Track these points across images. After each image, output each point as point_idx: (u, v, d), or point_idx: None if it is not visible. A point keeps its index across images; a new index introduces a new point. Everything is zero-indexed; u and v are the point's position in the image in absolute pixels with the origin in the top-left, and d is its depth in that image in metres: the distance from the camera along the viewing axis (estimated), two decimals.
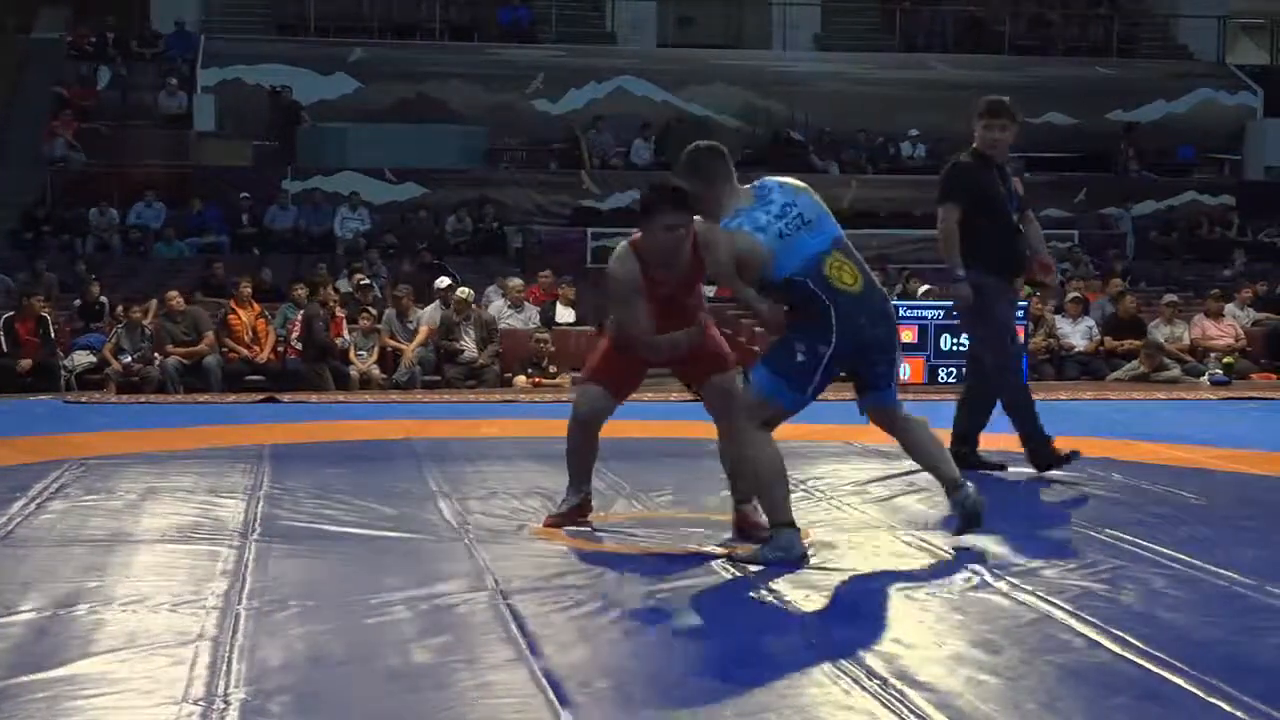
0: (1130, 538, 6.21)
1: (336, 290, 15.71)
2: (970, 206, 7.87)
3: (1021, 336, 14.01)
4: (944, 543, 6.10)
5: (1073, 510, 6.94)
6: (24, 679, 4.11)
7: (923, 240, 22.42)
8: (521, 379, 14.57)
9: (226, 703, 3.91)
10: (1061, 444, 8.07)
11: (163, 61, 25.09)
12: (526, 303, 16.24)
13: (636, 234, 5.95)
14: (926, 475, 8.08)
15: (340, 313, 14.92)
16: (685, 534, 6.29)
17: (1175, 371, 15.59)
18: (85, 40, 25.46)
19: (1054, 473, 7.96)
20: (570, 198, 22.88)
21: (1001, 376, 8.05)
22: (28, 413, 12.26)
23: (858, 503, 7.19)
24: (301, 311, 14.71)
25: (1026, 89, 26.16)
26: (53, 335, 14.57)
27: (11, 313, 14.69)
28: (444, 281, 15.65)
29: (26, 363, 14.21)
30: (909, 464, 8.44)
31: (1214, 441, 9.98)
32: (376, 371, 14.68)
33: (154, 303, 15.01)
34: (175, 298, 14.69)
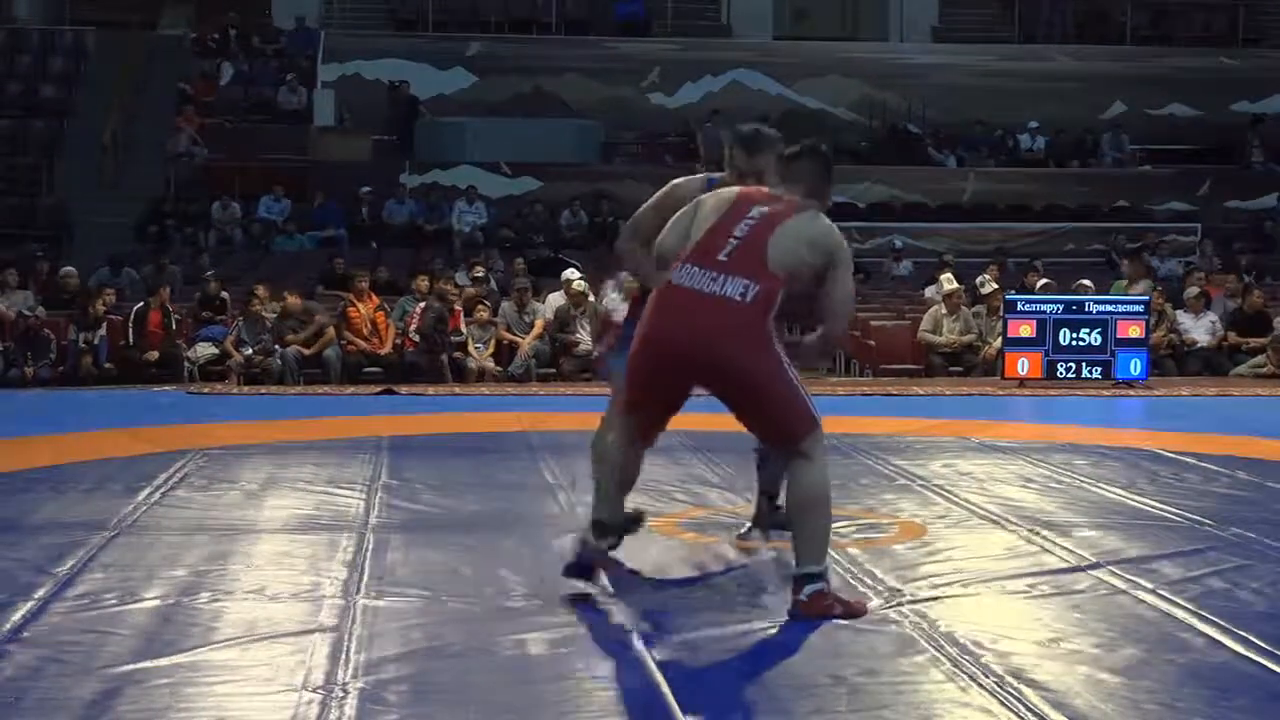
0: (1255, 536, 6.11)
1: (456, 284, 15.80)
2: None
3: (1142, 331, 13.95)
4: (1061, 539, 6.03)
5: (1195, 507, 6.83)
6: (147, 665, 4.19)
7: (1041, 233, 22.21)
8: None
9: (345, 691, 3.96)
10: (1178, 441, 7.90)
11: (284, 57, 25.41)
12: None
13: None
14: (1044, 470, 8.02)
15: (458, 306, 15.03)
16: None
17: None
18: (208, 37, 25.87)
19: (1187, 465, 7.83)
20: None
21: None
22: (152, 403, 12.48)
23: (975, 498, 7.12)
24: (421, 304, 14.84)
25: (1148, 80, 25.82)
26: (175, 327, 14.82)
27: (141, 304, 14.96)
28: (572, 274, 15.65)
29: (153, 354, 14.48)
30: (1023, 460, 8.36)
31: None
32: (492, 364, 14.77)
33: (262, 289, 15.09)
34: (295, 303, 14.81)
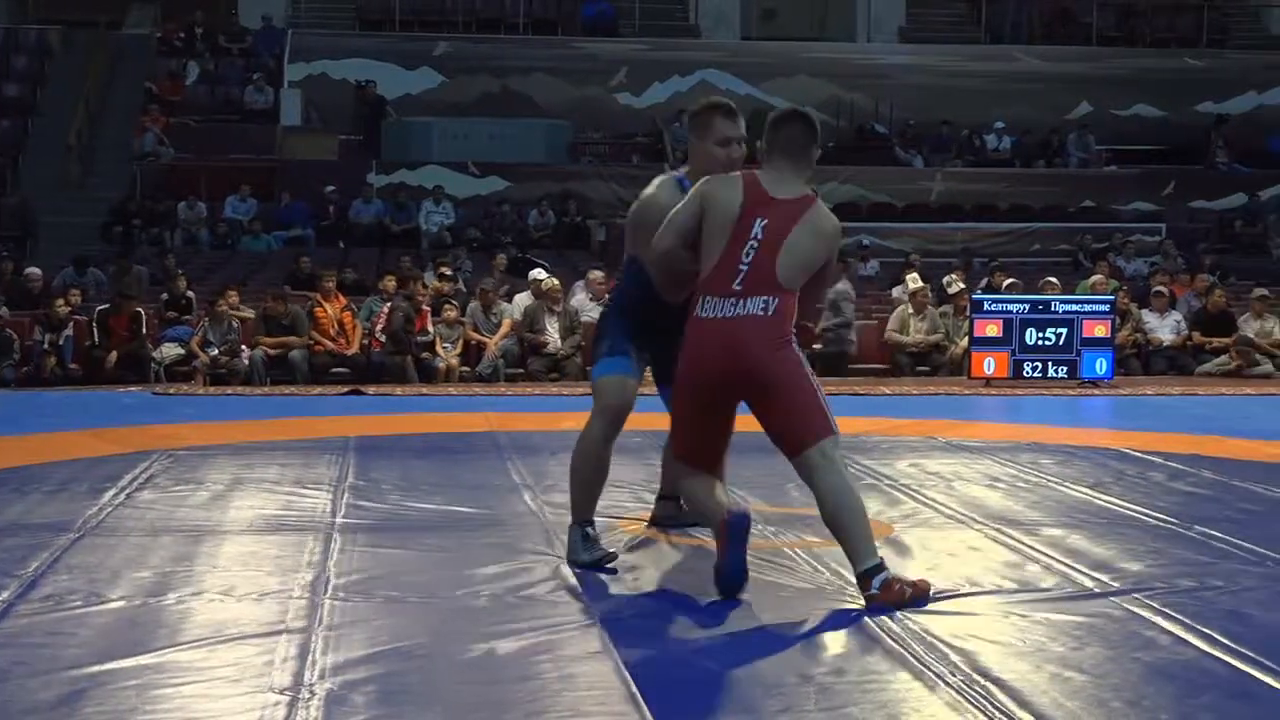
0: (1219, 534, 6.14)
1: (424, 284, 15.79)
2: None
3: (1108, 331, 14.01)
4: (1028, 538, 6.06)
5: (1161, 506, 6.87)
6: (113, 666, 4.17)
7: (1008, 233, 22.31)
8: None
9: (312, 692, 3.95)
10: (1143, 440, 7.97)
11: (250, 57, 25.36)
12: (609, 296, 16.21)
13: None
14: (1011, 470, 8.05)
15: (425, 306, 15.02)
16: (765, 529, 6.28)
17: (1267, 367, 15.39)
18: (174, 36, 25.79)
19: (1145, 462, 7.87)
20: None
21: None
22: (117, 404, 12.43)
23: (941, 498, 7.14)
24: (388, 304, 14.82)
25: (1114, 81, 25.96)
26: (143, 329, 14.76)
27: (106, 307, 14.89)
28: (539, 274, 15.66)
29: (113, 356, 14.40)
30: (990, 459, 8.40)
31: None
32: (459, 364, 14.76)
33: (233, 295, 15.11)
34: (277, 303, 14.77)
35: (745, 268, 5.01)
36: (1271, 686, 4.02)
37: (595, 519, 5.69)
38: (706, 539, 6.03)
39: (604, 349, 5.66)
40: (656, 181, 5.68)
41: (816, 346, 14.13)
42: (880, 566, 4.94)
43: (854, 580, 5.02)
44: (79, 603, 4.92)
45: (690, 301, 5.17)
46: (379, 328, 14.73)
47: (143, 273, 17.64)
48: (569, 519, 5.67)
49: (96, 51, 24.29)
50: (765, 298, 4.99)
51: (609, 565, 5.44)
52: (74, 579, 5.27)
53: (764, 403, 5.07)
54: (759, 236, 5.03)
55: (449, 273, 16.58)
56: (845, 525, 4.99)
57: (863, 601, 4.90)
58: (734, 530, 4.98)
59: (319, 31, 25.97)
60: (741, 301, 4.98)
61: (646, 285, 5.54)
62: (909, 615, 4.77)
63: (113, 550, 5.81)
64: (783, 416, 5.06)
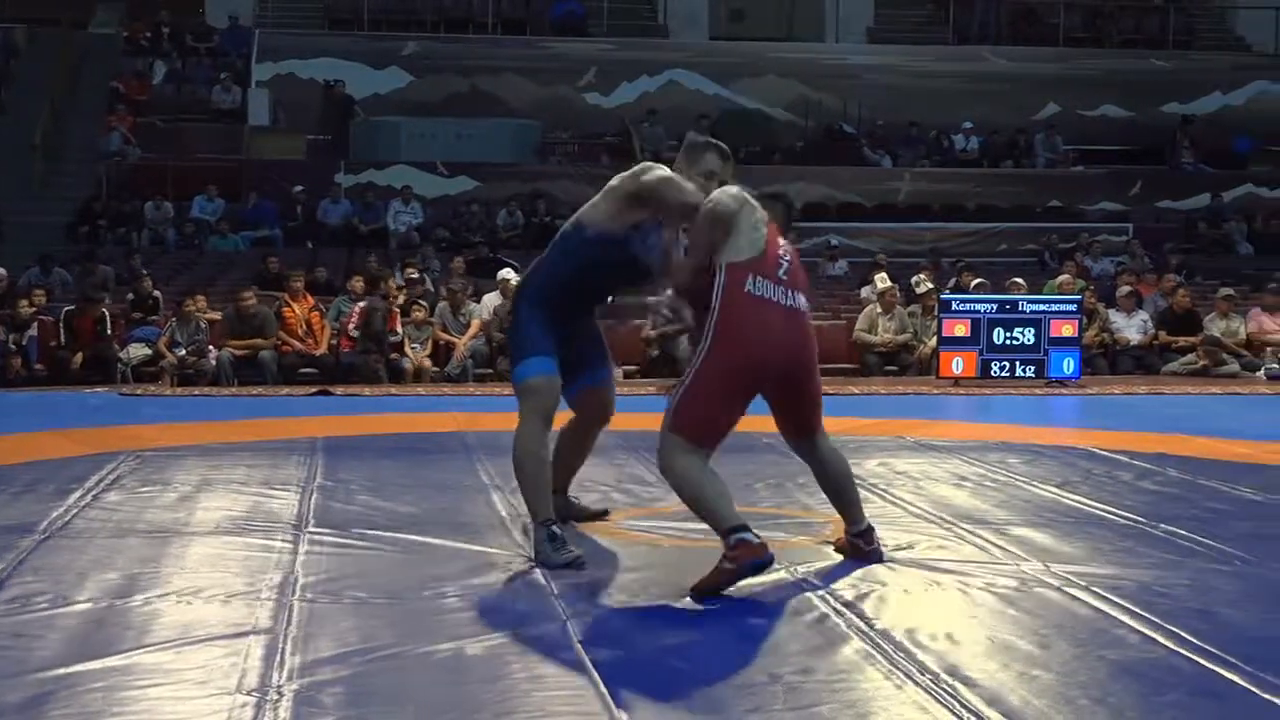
0: (1185, 533, 6.17)
1: (397, 285, 15.76)
2: None
3: (1075, 330, 14.07)
4: (996, 537, 6.08)
5: (1128, 505, 6.90)
6: (80, 668, 4.15)
7: (976, 233, 22.37)
8: None
9: (280, 694, 3.94)
10: (1110, 439, 8.01)
11: (217, 56, 25.25)
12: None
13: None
14: (979, 469, 8.08)
15: (395, 306, 14.99)
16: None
17: (1234, 366, 15.47)
18: (140, 35, 25.65)
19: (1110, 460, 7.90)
20: None
21: None
22: (84, 405, 12.37)
23: (909, 497, 7.16)
24: (360, 304, 14.80)
25: (1081, 82, 26.06)
26: (109, 329, 14.69)
27: (72, 308, 14.82)
28: (508, 274, 15.63)
29: (79, 356, 14.33)
30: (958, 459, 8.43)
31: (1271, 436, 9.89)
32: (429, 364, 14.74)
33: (202, 299, 15.08)
34: (249, 299, 14.74)
35: (785, 263, 5.28)
36: (1237, 684, 4.04)
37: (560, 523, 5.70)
38: (673, 538, 6.04)
39: (528, 347, 5.67)
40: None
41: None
42: (870, 525, 5.65)
43: (822, 581, 5.06)
44: (45, 605, 4.89)
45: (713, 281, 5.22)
46: (350, 327, 14.70)
47: (109, 273, 17.56)
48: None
49: (62, 51, 24.15)
50: (802, 293, 5.32)
51: (578, 566, 5.43)
52: (40, 581, 5.24)
53: (798, 389, 5.39)
54: (783, 242, 5.35)
55: (415, 274, 16.55)
56: (850, 488, 5.62)
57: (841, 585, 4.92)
58: (755, 568, 5.05)
59: (287, 31, 25.88)
60: (791, 293, 5.25)
61: (584, 262, 5.60)
62: (877, 614, 4.78)
63: (79, 552, 5.78)
64: (810, 402, 5.47)
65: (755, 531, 5.07)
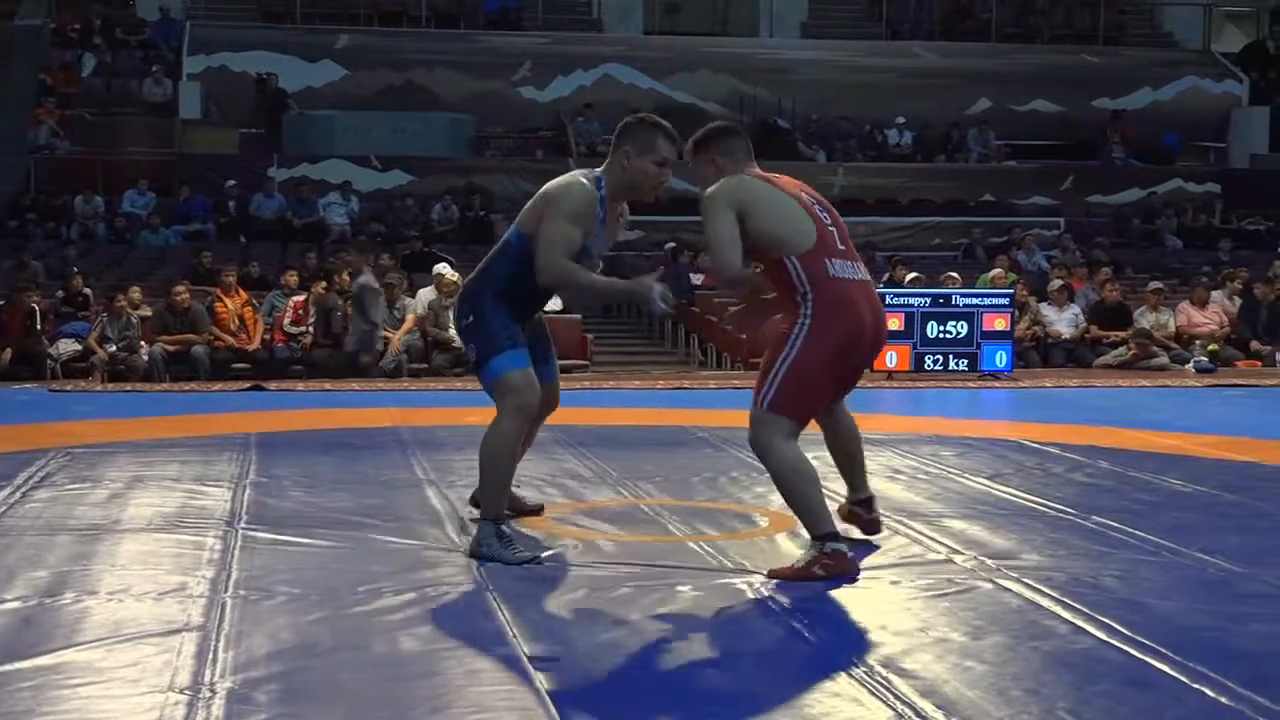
0: (1115, 524, 6.23)
1: (349, 276, 15.70)
2: None
3: (1007, 324, 14.18)
4: (929, 529, 6.12)
5: (1059, 497, 6.96)
6: (9, 668, 4.10)
7: (909, 227, 22.50)
8: None
9: (213, 691, 3.91)
10: (1042, 432, 8.07)
11: (148, 49, 25.04)
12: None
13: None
14: (912, 462, 8.12)
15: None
16: (671, 523, 6.29)
17: (1163, 359, 15.63)
18: (69, 27, 25.39)
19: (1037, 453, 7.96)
20: None
21: None
22: (12, 401, 12.22)
23: (844, 489, 7.18)
24: (295, 299, 14.75)
25: (1012, 77, 26.26)
26: (39, 325, 14.54)
27: (1, 303, 14.65)
28: (444, 268, 15.59)
29: (7, 353, 14.17)
30: (891, 451, 8.48)
31: (1199, 428, 10.01)
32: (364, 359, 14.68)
33: (136, 291, 14.97)
34: (183, 293, 14.63)
35: (834, 229, 5.32)
36: (1167, 674, 4.08)
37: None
38: (607, 534, 6.03)
39: (498, 342, 5.58)
40: (573, 177, 5.57)
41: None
42: (872, 494, 5.92)
43: (756, 570, 5.11)
44: None
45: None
46: (286, 321, 14.65)
47: (39, 268, 17.38)
48: (474, 514, 5.63)
49: None
50: (861, 261, 5.37)
51: (536, 564, 5.40)
52: None
53: (869, 360, 5.62)
54: (811, 199, 5.35)
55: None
56: (859, 453, 5.88)
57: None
58: (844, 581, 5.10)
59: (219, 24, 25.71)
60: (855, 265, 5.31)
61: (529, 268, 5.54)
62: (811, 607, 4.80)
63: (8, 550, 5.71)
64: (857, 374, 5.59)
65: (846, 543, 5.25)
